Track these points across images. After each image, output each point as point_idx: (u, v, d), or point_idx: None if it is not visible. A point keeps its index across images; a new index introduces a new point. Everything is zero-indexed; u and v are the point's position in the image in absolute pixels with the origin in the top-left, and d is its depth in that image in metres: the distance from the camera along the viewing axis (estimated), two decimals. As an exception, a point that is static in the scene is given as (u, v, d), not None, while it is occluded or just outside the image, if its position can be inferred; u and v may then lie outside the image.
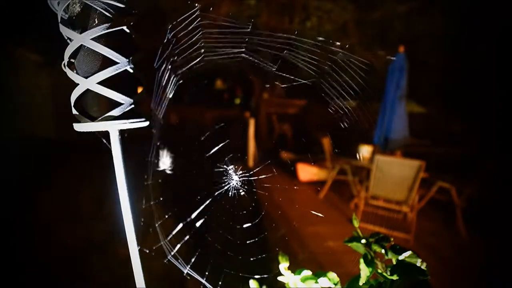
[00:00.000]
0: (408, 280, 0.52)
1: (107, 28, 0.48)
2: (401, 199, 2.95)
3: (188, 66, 0.62)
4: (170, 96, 0.65)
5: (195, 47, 0.60)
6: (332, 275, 0.65)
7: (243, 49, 0.61)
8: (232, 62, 0.62)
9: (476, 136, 4.90)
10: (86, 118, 0.50)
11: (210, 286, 0.67)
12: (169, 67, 0.62)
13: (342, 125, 0.63)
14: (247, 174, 0.73)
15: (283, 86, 0.63)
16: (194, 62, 0.62)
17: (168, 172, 0.81)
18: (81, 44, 0.48)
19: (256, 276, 0.68)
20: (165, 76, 0.62)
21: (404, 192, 2.91)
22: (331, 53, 0.58)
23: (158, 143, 0.71)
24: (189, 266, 0.69)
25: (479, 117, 5.16)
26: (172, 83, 0.64)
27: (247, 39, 0.59)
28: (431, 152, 4.29)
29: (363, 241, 0.61)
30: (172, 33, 0.57)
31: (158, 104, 0.66)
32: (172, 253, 0.68)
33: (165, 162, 0.80)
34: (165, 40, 0.58)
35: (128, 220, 0.55)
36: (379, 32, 5.38)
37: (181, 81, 0.65)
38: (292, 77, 0.62)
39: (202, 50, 0.61)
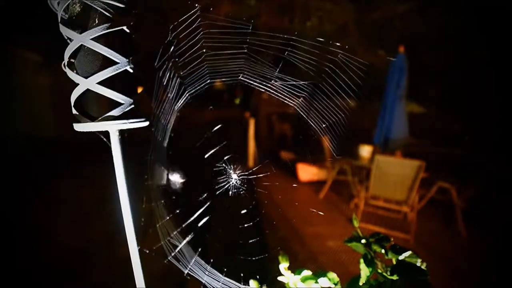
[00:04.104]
0: (408, 280, 0.52)
1: (107, 28, 0.48)
2: (401, 199, 2.95)
3: (190, 67, 0.63)
4: (171, 96, 0.65)
5: (196, 47, 0.60)
6: (332, 275, 0.65)
7: (245, 50, 0.61)
8: (234, 63, 0.63)
9: (476, 136, 4.90)
10: (86, 118, 0.50)
11: (210, 286, 0.67)
12: (171, 68, 0.62)
13: (342, 126, 0.63)
14: (247, 174, 0.73)
15: (279, 83, 0.63)
16: (196, 62, 0.62)
17: (168, 172, 0.82)
18: (81, 44, 0.48)
19: (256, 276, 0.68)
20: (167, 77, 0.62)
21: (404, 192, 2.91)
22: (331, 54, 0.58)
23: (158, 143, 0.71)
24: (189, 266, 0.69)
25: (479, 117, 5.16)
26: (175, 85, 0.65)
27: (248, 39, 0.59)
28: (431, 152, 4.29)
29: (363, 241, 0.61)
30: (174, 34, 0.57)
31: (159, 104, 0.66)
32: (173, 254, 0.68)
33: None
34: (166, 41, 0.58)
35: (128, 220, 0.55)
36: (379, 32, 5.39)
37: (184, 83, 0.65)
38: (292, 79, 0.62)
39: (204, 50, 0.61)
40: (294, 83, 0.62)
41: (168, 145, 0.72)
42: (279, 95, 0.65)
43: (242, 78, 0.65)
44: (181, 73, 0.64)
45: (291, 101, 0.65)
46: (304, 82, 0.62)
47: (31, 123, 6.14)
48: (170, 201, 0.80)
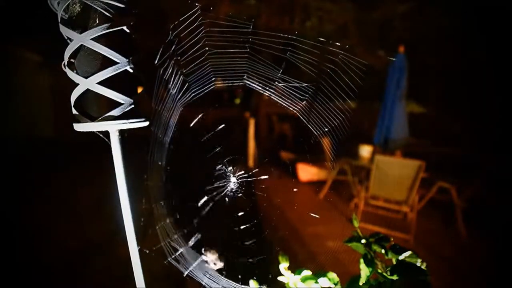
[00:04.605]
0: (408, 280, 0.52)
1: (107, 28, 0.48)
2: (401, 199, 2.95)
3: (193, 65, 0.62)
4: (175, 93, 0.65)
5: (198, 46, 0.60)
6: (332, 275, 0.65)
7: (247, 50, 0.61)
8: (237, 63, 0.62)
9: (476, 136, 4.91)
10: (86, 118, 0.50)
11: (210, 287, 0.67)
12: (173, 65, 0.61)
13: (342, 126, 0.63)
14: (247, 175, 0.73)
15: (282, 85, 0.63)
16: (199, 60, 0.62)
17: (168, 172, 0.82)
18: (81, 44, 0.48)
19: (256, 277, 0.68)
20: (168, 74, 0.62)
21: (404, 192, 2.91)
22: (332, 54, 0.58)
23: (158, 141, 0.71)
24: (189, 267, 0.68)
25: (479, 117, 5.16)
26: (178, 82, 0.64)
27: (250, 39, 0.59)
28: (431, 152, 4.29)
29: (363, 241, 0.61)
30: (174, 33, 0.57)
31: (160, 101, 0.66)
32: (173, 256, 0.68)
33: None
34: (167, 40, 0.58)
35: (128, 220, 0.55)
36: (379, 32, 5.39)
37: (187, 81, 0.65)
38: (296, 81, 0.62)
39: (206, 48, 0.61)
40: (298, 85, 0.62)
41: (169, 143, 0.72)
42: (283, 99, 0.65)
43: (246, 81, 0.64)
44: (184, 71, 0.64)
45: (294, 105, 0.65)
46: (307, 84, 0.62)
47: (31, 123, 6.14)
48: (170, 203, 0.80)
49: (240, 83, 0.65)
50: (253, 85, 0.65)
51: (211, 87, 0.67)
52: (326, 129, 0.64)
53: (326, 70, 0.59)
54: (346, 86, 0.59)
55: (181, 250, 0.68)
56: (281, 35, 0.58)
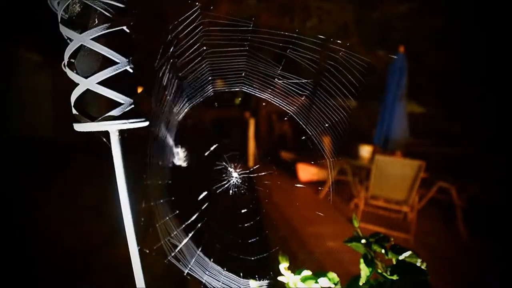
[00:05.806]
0: (408, 280, 0.52)
1: (107, 28, 0.48)
2: (401, 199, 2.95)
3: (190, 66, 0.62)
4: (173, 93, 0.65)
5: (195, 47, 0.60)
6: (332, 275, 0.65)
7: (246, 47, 0.61)
8: (234, 61, 0.62)
9: (476, 136, 4.91)
10: (86, 118, 0.50)
11: (211, 286, 0.67)
12: (170, 68, 0.61)
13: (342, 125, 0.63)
14: (247, 174, 0.73)
15: (281, 81, 0.63)
16: (195, 62, 0.62)
17: (168, 172, 0.82)
18: (81, 44, 0.48)
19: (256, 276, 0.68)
20: (167, 74, 0.62)
21: (404, 192, 2.91)
22: (332, 51, 0.58)
23: (159, 143, 0.71)
24: (189, 266, 0.69)
25: (479, 117, 5.16)
26: (173, 85, 0.65)
27: (249, 37, 0.59)
28: (431, 152, 4.29)
29: (363, 241, 0.61)
30: (174, 33, 0.57)
31: (160, 105, 0.66)
32: (173, 254, 0.68)
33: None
34: (166, 40, 0.58)
35: (128, 220, 0.55)
36: (379, 32, 5.39)
37: (183, 84, 0.65)
38: (293, 76, 0.62)
39: (204, 48, 0.61)
40: (297, 81, 0.62)
41: (169, 143, 0.72)
42: (282, 96, 0.64)
43: (243, 82, 0.64)
44: (180, 74, 0.64)
45: (293, 103, 0.65)
46: (306, 80, 0.62)
47: (31, 123, 6.13)
48: (170, 201, 0.80)
49: (237, 88, 0.65)
50: (251, 89, 0.65)
51: (209, 88, 0.67)
52: (326, 125, 0.63)
53: (327, 68, 0.59)
54: (347, 84, 0.59)
55: (180, 246, 0.69)
56: (281, 33, 0.58)
